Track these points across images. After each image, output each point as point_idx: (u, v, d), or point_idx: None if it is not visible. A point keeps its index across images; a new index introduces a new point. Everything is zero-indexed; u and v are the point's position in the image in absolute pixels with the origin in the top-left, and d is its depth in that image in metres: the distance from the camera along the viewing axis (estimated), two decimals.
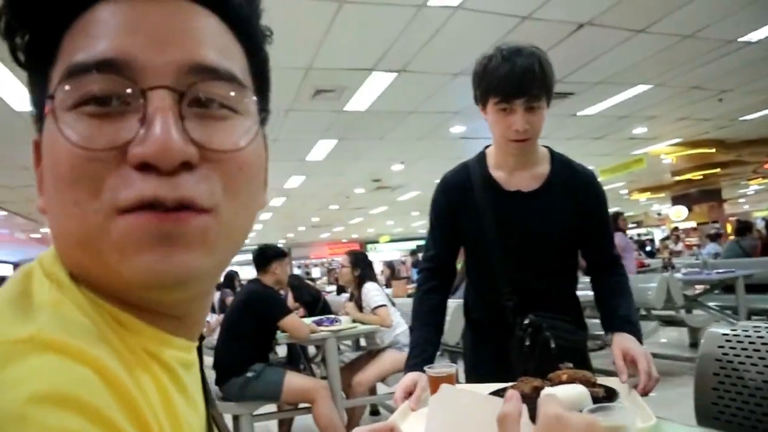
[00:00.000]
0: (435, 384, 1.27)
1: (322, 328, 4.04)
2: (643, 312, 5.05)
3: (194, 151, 0.42)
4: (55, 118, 0.42)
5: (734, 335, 1.41)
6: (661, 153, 11.64)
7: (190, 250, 0.43)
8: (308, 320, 4.25)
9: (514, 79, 1.44)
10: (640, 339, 1.43)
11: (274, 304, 3.75)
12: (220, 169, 0.45)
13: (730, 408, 1.36)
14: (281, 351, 5.15)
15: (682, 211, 19.32)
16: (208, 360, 4.63)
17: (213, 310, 8.01)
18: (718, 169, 14.21)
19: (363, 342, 5.44)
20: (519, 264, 1.60)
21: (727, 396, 1.37)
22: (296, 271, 20.39)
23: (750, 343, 1.37)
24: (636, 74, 6.54)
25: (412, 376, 1.44)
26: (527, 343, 1.50)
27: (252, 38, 0.53)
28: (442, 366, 1.34)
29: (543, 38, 5.21)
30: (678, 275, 5.82)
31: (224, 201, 0.45)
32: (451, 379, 1.29)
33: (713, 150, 11.45)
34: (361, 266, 4.33)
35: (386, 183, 13.01)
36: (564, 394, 1.02)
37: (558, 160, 1.65)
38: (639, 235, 24.23)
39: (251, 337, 3.63)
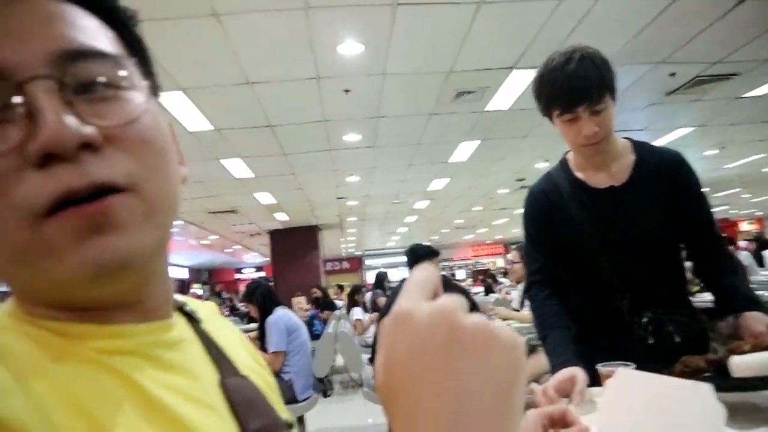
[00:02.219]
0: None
1: None
2: None
3: (91, 130, 0.42)
4: None
5: None
6: None
7: (120, 233, 0.43)
8: None
9: (571, 89, 1.44)
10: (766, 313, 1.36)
11: None
12: (125, 146, 0.44)
13: None
14: None
15: None
16: (364, 357, 4.88)
17: (365, 310, 8.37)
18: None
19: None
20: (626, 259, 1.56)
21: None
22: (442, 273, 20.49)
23: None
24: None
25: (570, 370, 1.36)
26: (650, 341, 1.46)
27: (117, 19, 0.51)
28: (616, 364, 1.27)
29: (698, 16, 4.85)
30: None
31: (141, 177, 0.45)
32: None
33: None
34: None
35: (531, 182, 12.66)
36: (761, 359, 1.01)
37: (641, 148, 1.62)
38: None
39: None
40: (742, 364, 1.09)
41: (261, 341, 4.10)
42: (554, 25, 4.69)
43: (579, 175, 1.65)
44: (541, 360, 3.85)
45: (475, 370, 0.32)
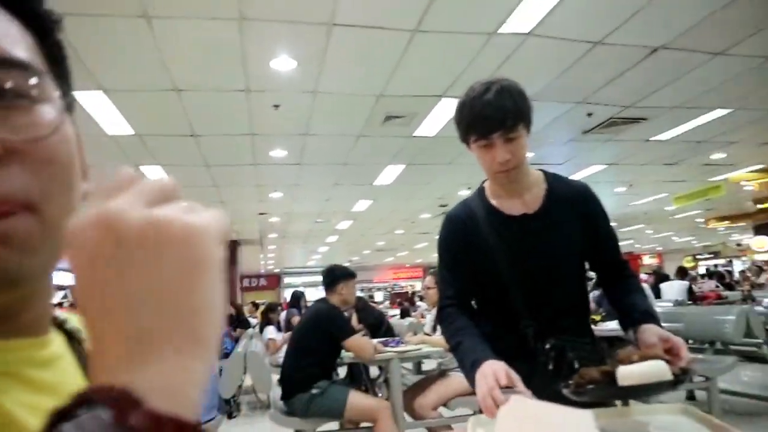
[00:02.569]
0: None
1: (387, 348, 4.09)
2: (719, 346, 4.83)
3: None
4: None
5: None
6: (741, 179, 11.12)
7: (11, 250, 0.40)
8: (374, 341, 4.31)
9: (487, 116, 1.50)
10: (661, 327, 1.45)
11: (341, 323, 3.84)
12: (29, 162, 0.42)
13: None
14: (341, 372, 5.23)
15: (765, 241, 18.28)
16: (274, 377, 4.77)
17: (279, 329, 8.20)
18: None
19: (425, 365, 5.46)
20: (536, 287, 1.62)
21: None
22: (359, 294, 20.55)
23: None
24: (714, 98, 6.33)
25: (491, 362, 1.37)
26: (550, 366, 1.51)
27: (40, 23, 0.48)
28: (509, 392, 1.27)
29: (615, 63, 5.17)
30: (759, 308, 5.53)
31: (43, 198, 0.42)
32: None
33: None
34: None
35: None
36: (644, 368, 1.07)
37: (553, 179, 1.70)
38: (716, 266, 23.03)
39: (317, 355, 3.72)
40: (626, 374, 1.17)
41: None
42: (484, 60, 4.86)
43: (494, 202, 1.69)
44: (452, 383, 3.89)
45: (152, 270, 0.29)
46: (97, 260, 0.30)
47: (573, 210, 1.64)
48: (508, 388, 1.30)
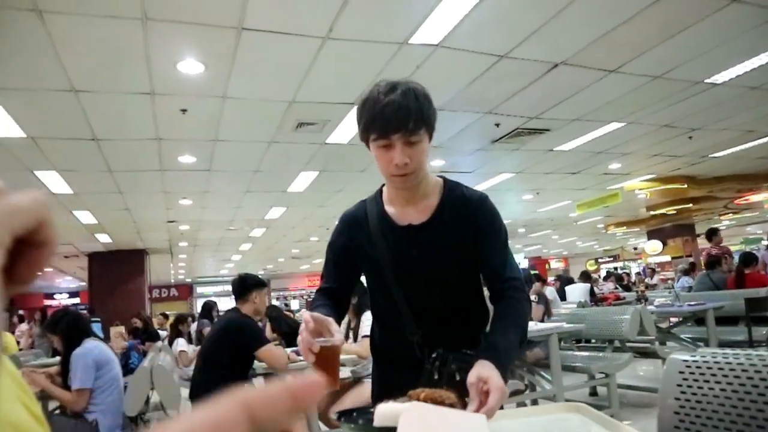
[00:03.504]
0: (321, 354, 1.25)
1: (301, 357, 4.04)
2: (617, 344, 5.13)
3: None
4: None
5: (693, 361, 1.48)
6: (636, 188, 11.92)
7: None
8: (288, 350, 4.25)
9: (390, 115, 1.45)
10: (503, 364, 1.34)
11: (252, 333, 3.75)
12: None
13: (690, 431, 1.42)
14: (258, 384, 5.11)
15: (657, 245, 19.65)
16: (185, 391, 4.60)
17: (190, 341, 7.91)
18: (691, 205, 14.57)
19: (339, 374, 5.44)
20: (420, 298, 1.61)
21: (687, 419, 1.44)
22: (275, 303, 20.22)
23: (708, 368, 1.44)
24: (609, 112, 6.76)
25: (308, 312, 1.36)
26: (435, 376, 1.49)
27: None
28: (328, 339, 1.29)
29: (519, 76, 5.40)
30: (651, 308, 5.93)
31: None
32: (338, 350, 1.28)
33: (685, 185, 11.75)
34: (359, 294, 4.11)
35: None
36: (387, 409, 1.05)
37: (450, 189, 1.64)
38: (615, 268, 24.52)
39: (228, 367, 3.62)
40: (379, 411, 1.07)
41: (64, 377, 3.66)
42: (394, 68, 4.93)
43: (388, 208, 1.65)
44: (365, 391, 3.89)
45: None
46: None
47: (462, 221, 1.59)
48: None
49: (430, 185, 1.63)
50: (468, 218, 1.59)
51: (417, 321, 1.61)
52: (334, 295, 1.68)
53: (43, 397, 3.82)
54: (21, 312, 19.00)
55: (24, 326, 12.51)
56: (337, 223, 1.77)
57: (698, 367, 1.46)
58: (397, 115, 1.44)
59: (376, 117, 1.46)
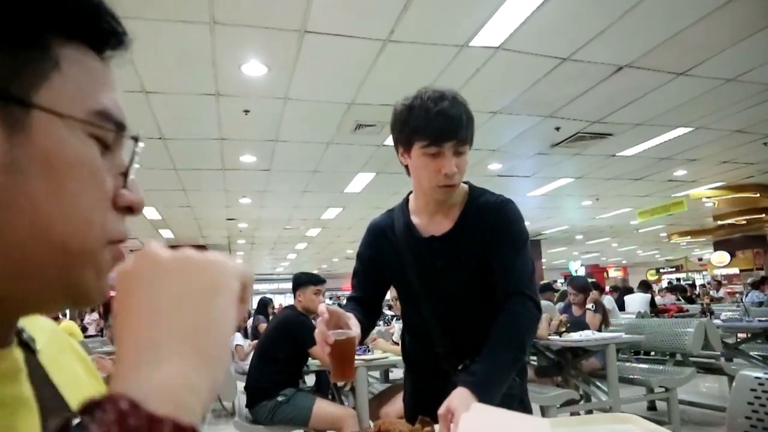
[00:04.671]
0: (337, 346, 1.26)
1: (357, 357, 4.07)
2: (678, 357, 4.94)
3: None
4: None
5: (766, 379, 1.42)
6: (702, 196, 11.44)
7: None
8: None
9: (443, 123, 1.43)
10: (480, 392, 1.29)
11: (307, 330, 3.81)
12: None
13: None
14: (309, 380, 5.19)
15: (724, 256, 18.81)
16: (240, 384, 4.72)
17: (246, 335, 8.11)
18: (764, 215, 13.86)
19: (393, 374, 5.46)
20: (446, 309, 1.58)
21: None
22: (328, 302, 20.43)
23: None
24: (676, 117, 6.52)
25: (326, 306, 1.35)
26: None
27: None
28: (344, 331, 1.30)
29: (582, 79, 5.28)
30: (717, 321, 5.69)
31: None
32: (353, 342, 1.29)
33: (757, 195, 11.20)
34: None
35: None
36: None
37: (473, 196, 1.61)
38: (678, 279, 23.59)
39: (283, 362, 3.69)
40: None
41: None
42: (454, 71, 4.91)
43: (414, 219, 1.64)
44: (397, 404, 3.90)
45: (173, 290, 0.37)
46: (133, 278, 0.38)
47: (484, 230, 1.54)
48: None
49: (457, 194, 1.60)
50: (489, 225, 1.55)
51: (443, 331, 1.59)
52: (363, 304, 1.68)
53: (110, 381, 3.99)
54: None
55: (94, 315, 13.14)
56: (366, 230, 1.76)
57: None
58: (450, 123, 1.44)
59: (430, 123, 1.44)
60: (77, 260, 0.45)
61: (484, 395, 1.28)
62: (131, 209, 0.49)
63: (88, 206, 0.45)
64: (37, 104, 0.42)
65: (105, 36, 0.50)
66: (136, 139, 0.52)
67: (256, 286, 29.26)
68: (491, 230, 1.54)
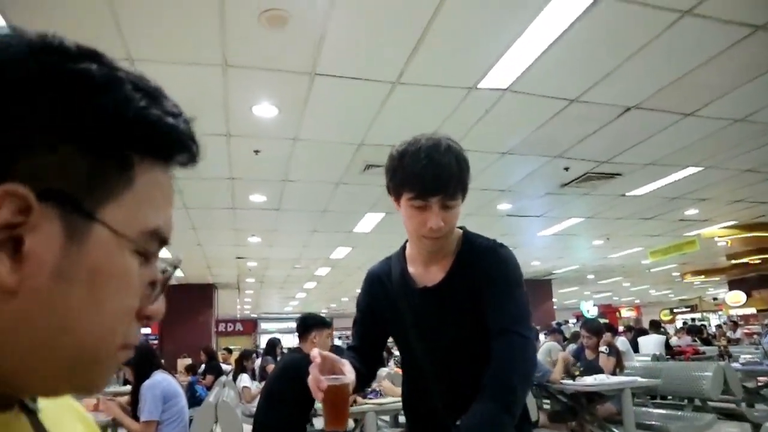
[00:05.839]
0: (330, 392, 1.23)
1: (366, 400, 3.99)
2: (697, 402, 4.80)
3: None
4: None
5: None
6: (715, 235, 11.33)
7: None
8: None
9: (431, 176, 1.38)
10: None
11: None
12: None
13: None
14: (318, 423, 5.09)
15: (739, 296, 18.51)
16: (247, 427, 4.63)
17: (253, 377, 8.00)
18: None
19: (402, 418, 5.34)
20: (444, 361, 1.53)
21: None
22: (337, 342, 20.25)
23: None
24: (686, 156, 6.50)
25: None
26: None
27: None
28: (338, 377, 1.29)
29: (590, 120, 5.30)
30: (736, 365, 5.55)
31: None
32: (347, 389, 1.26)
33: None
34: None
35: None
36: None
37: (466, 243, 1.56)
38: (693, 319, 23.18)
39: (290, 405, 3.62)
40: None
41: (133, 407, 3.77)
42: (463, 113, 4.95)
43: (410, 268, 1.59)
44: None
45: None
46: None
47: (476, 277, 1.48)
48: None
49: (451, 242, 1.55)
50: (481, 271, 1.49)
51: (442, 384, 1.53)
52: (361, 353, 1.64)
53: (115, 425, 3.93)
54: None
55: None
56: (364, 279, 1.72)
57: None
58: (439, 178, 1.38)
59: (418, 175, 1.39)
60: (91, 362, 0.46)
61: None
62: (150, 318, 0.50)
63: (117, 316, 0.46)
64: (102, 221, 0.44)
65: (183, 156, 0.52)
66: (175, 267, 0.54)
67: (265, 326, 29.08)
68: (483, 276, 1.48)
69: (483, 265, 1.49)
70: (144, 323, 0.50)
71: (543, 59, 4.14)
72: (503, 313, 1.44)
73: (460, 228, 1.59)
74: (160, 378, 3.71)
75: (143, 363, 3.77)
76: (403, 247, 1.66)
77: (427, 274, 1.55)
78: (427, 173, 1.38)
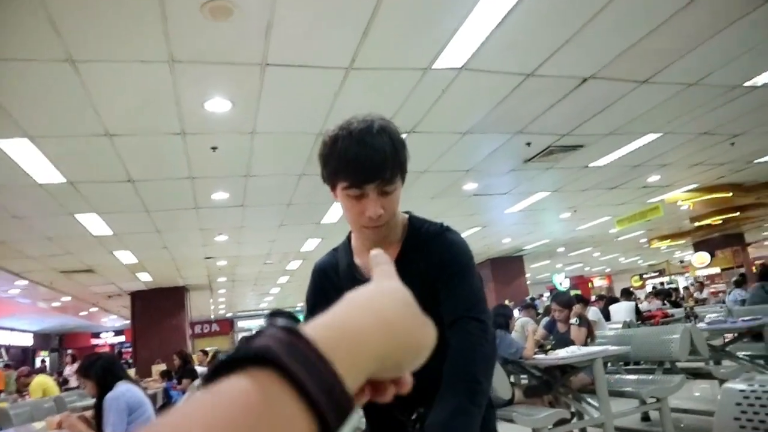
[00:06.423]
0: None
1: None
2: (667, 365, 4.89)
3: None
4: None
5: (752, 391, 1.36)
6: (677, 199, 11.55)
7: None
8: None
9: (365, 163, 1.27)
10: None
11: None
12: None
13: None
14: None
15: (704, 257, 18.97)
16: None
17: None
18: (738, 213, 14.04)
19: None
20: None
21: None
22: None
23: None
24: (644, 124, 6.58)
25: None
26: None
27: None
28: None
29: (548, 94, 5.30)
30: (702, 325, 5.67)
31: None
32: None
33: (730, 194, 11.33)
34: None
35: None
36: None
37: (413, 229, 1.49)
38: (662, 284, 23.73)
39: None
40: None
41: (98, 421, 3.65)
42: (420, 94, 4.90)
43: (356, 259, 1.52)
44: None
45: (399, 298, 0.48)
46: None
47: (424, 264, 1.42)
48: None
49: (397, 229, 1.48)
50: (430, 258, 1.42)
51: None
52: None
53: None
54: (71, 351, 19.48)
55: (76, 365, 12.78)
56: (311, 272, 1.65)
57: (758, 398, 1.34)
58: (372, 163, 1.28)
59: (349, 164, 1.29)
60: None
61: None
62: None
63: None
64: None
65: None
66: None
67: (242, 324, 28.89)
68: (433, 262, 1.41)
69: (432, 251, 1.43)
70: None
71: (496, 35, 4.10)
72: (457, 300, 1.38)
73: (406, 213, 1.52)
74: (123, 389, 3.58)
75: (105, 375, 3.64)
76: (349, 237, 1.59)
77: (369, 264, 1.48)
78: (361, 159, 1.27)
